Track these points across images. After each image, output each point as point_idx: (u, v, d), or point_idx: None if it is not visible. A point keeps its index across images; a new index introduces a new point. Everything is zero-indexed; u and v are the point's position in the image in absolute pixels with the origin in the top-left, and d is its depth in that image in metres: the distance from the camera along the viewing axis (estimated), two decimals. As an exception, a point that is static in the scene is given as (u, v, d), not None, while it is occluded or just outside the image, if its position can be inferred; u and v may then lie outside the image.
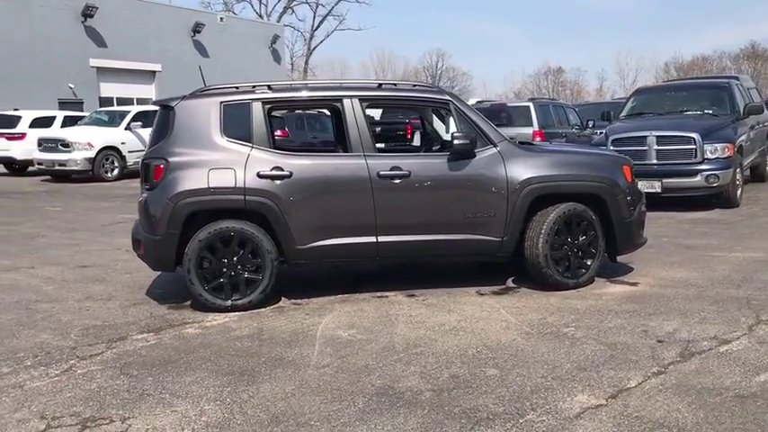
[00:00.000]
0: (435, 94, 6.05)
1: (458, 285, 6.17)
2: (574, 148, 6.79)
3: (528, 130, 13.05)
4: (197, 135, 5.64)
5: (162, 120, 5.78)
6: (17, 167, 20.91)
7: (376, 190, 5.68)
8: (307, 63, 75.23)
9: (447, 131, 7.12)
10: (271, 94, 5.81)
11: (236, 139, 5.65)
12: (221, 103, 5.71)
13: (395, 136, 20.55)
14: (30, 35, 29.66)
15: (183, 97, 5.81)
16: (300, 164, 5.66)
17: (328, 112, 18.75)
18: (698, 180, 10.21)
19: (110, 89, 33.14)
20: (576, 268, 5.99)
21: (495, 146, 5.86)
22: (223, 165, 5.56)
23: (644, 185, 10.19)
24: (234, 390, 4.00)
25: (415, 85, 6.17)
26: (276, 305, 5.78)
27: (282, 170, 5.59)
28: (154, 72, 35.21)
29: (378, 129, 20.93)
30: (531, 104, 13.31)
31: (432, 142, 7.16)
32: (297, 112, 17.44)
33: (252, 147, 5.63)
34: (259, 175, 5.56)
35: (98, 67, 32.56)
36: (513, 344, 4.63)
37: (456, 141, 5.65)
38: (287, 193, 5.58)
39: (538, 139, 12.96)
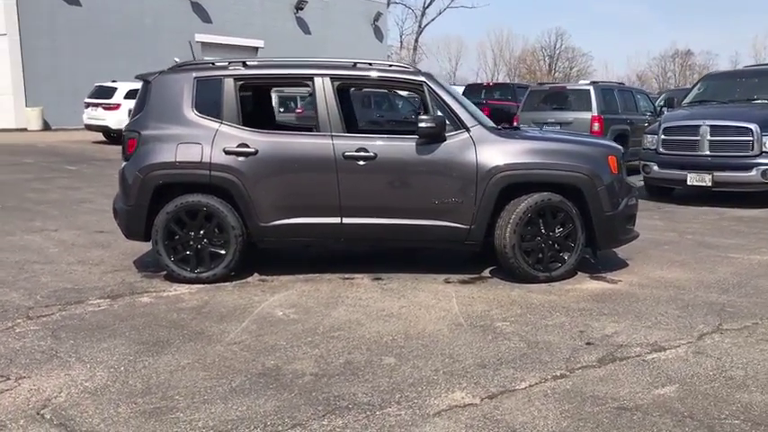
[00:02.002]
0: (410, 75, 5.89)
1: (431, 272, 6.04)
2: (560, 135, 6.40)
3: (586, 116, 12.46)
4: (170, 109, 5.77)
5: (141, 93, 5.96)
6: (113, 136, 22.14)
7: (341, 171, 5.62)
8: (416, 41, 75.08)
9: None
10: (243, 71, 5.85)
11: (207, 115, 5.74)
12: (195, 78, 5.81)
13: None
14: (139, 10, 31.19)
15: (161, 72, 5.95)
16: (266, 141, 5.68)
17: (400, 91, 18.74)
18: (753, 175, 9.46)
19: (213, 64, 34.27)
20: (549, 261, 5.71)
21: (467, 130, 5.66)
22: (191, 139, 5.67)
23: (693, 178, 9.63)
24: (135, 359, 4.11)
25: (390, 65, 6.02)
26: (243, 279, 5.87)
27: (248, 147, 5.64)
28: (256, 48, 36.16)
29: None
30: (591, 88, 12.64)
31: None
32: (364, 90, 17.51)
33: (221, 123, 5.71)
34: (225, 151, 5.64)
35: (203, 42, 33.78)
36: (434, 334, 4.49)
37: (420, 124, 5.50)
38: (251, 170, 5.63)
39: (596, 124, 12.36)
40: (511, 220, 5.58)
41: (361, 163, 5.61)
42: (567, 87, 13.59)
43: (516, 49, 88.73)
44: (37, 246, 7.26)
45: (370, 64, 5.96)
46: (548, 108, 13.05)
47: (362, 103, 16.65)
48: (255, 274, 6.06)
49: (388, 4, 58.79)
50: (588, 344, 4.31)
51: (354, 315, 4.90)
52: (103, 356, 4.16)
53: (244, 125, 5.75)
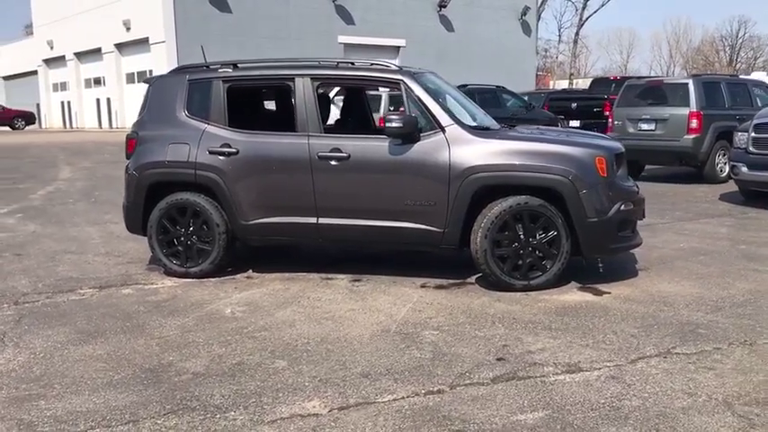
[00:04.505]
0: (388, 74, 5.74)
1: (416, 275, 5.87)
2: (546, 135, 5.83)
3: (683, 111, 11.43)
4: (165, 111, 6.05)
5: (145, 95, 6.28)
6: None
7: (315, 171, 5.62)
8: (577, 34, 72.62)
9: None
10: (230, 73, 6.00)
11: (196, 116, 5.95)
12: (188, 80, 6.04)
13: (593, 113, 19.40)
14: (285, 14, 32.71)
15: (161, 75, 6.24)
16: (247, 141, 5.79)
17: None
18: None
19: (355, 64, 35.16)
20: (528, 269, 5.36)
21: (442, 130, 5.44)
22: (181, 140, 5.90)
23: (784, 181, 8.60)
24: (61, 347, 4.37)
25: (372, 64, 5.89)
26: (231, 276, 6.04)
27: (230, 147, 5.78)
28: (398, 47, 36.71)
29: (574, 105, 19.94)
30: (690, 81, 11.55)
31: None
32: (468, 86, 17.22)
33: (208, 123, 5.89)
34: (209, 151, 5.82)
35: (345, 44, 34.82)
36: (351, 339, 4.38)
37: (387, 124, 5.35)
38: (233, 170, 5.77)
39: (694, 121, 11.32)
40: (483, 225, 5.31)
41: (335, 163, 5.57)
42: (665, 81, 12.54)
43: (695, 40, 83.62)
44: (85, 237, 7.88)
45: (353, 63, 5.89)
46: (643, 103, 12.13)
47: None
48: (249, 270, 6.21)
49: (545, -2, 57.36)
50: (499, 359, 4.01)
51: (295, 316, 4.89)
52: (38, 343, 4.46)
53: (231, 126, 5.89)
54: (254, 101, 6.58)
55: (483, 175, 5.31)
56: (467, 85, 17.14)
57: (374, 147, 5.57)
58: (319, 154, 5.59)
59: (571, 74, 68.81)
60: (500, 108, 17.15)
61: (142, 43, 31.86)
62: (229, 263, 6.12)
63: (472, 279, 5.77)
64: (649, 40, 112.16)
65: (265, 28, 31.92)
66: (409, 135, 5.41)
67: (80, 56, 38.56)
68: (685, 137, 11.38)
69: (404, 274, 5.92)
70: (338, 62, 5.90)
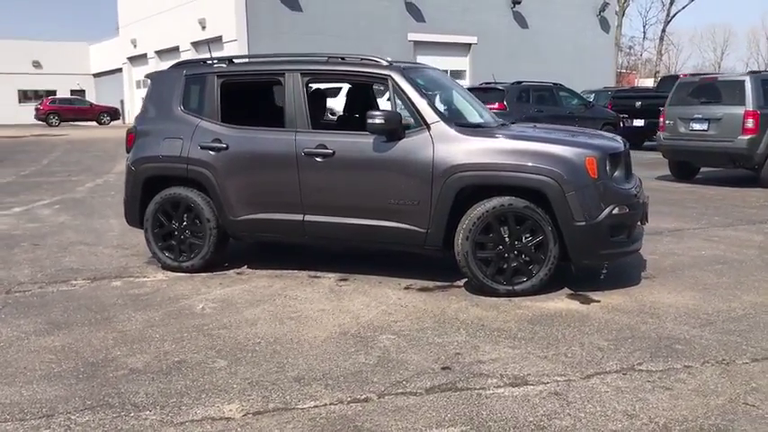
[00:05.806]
0: (376, 69, 5.57)
1: (404, 276, 5.71)
2: (535, 133, 5.43)
3: (738, 111, 10.71)
4: (162, 105, 6.09)
5: (147, 90, 6.34)
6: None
7: (301, 167, 5.53)
8: (664, 31, 70.02)
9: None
10: (224, 68, 5.97)
11: (190, 111, 5.97)
12: (185, 75, 6.05)
13: (657, 112, 18.64)
14: (355, 13, 32.76)
15: (161, 70, 6.28)
16: (236, 136, 5.76)
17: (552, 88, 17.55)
18: None
19: (425, 62, 34.89)
20: (512, 274, 5.11)
21: (427, 128, 5.24)
22: (175, 135, 5.93)
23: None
24: (25, 337, 4.44)
25: (362, 59, 5.73)
26: (222, 271, 6.03)
27: (221, 142, 5.77)
28: (469, 45, 36.20)
29: (638, 103, 19.18)
30: (747, 79, 10.81)
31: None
32: (523, 84, 16.78)
33: (201, 118, 5.89)
34: (200, 146, 5.82)
35: (415, 41, 34.59)
36: (303, 341, 4.27)
37: (368, 120, 5.19)
38: (222, 165, 5.75)
39: (750, 121, 10.61)
40: (465, 226, 5.09)
41: (320, 160, 5.47)
42: (719, 79, 11.81)
43: (796, 36, 79.56)
44: (106, 229, 8.06)
45: (343, 58, 5.76)
46: (696, 102, 11.46)
47: (520, 97, 15.95)
48: (245, 266, 6.19)
49: (629, -8, 55.48)
50: (444, 368, 3.81)
51: (262, 315, 4.81)
52: (5, 332, 4.54)
53: (224, 121, 5.86)
54: (247, 96, 6.52)
55: (466, 174, 5.09)
56: (521, 82, 16.74)
57: (359, 144, 5.42)
58: (305, 150, 5.50)
59: (656, 71, 66.40)
60: (557, 106, 16.67)
61: (216, 42, 32.59)
62: (222, 259, 6.12)
63: (461, 283, 5.54)
64: (746, 36, 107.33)
65: (335, 26, 32.03)
66: (393, 132, 5.24)
67: (160, 54, 39.79)
68: (740, 138, 10.69)
69: (393, 274, 5.76)
70: (328, 57, 5.78)
